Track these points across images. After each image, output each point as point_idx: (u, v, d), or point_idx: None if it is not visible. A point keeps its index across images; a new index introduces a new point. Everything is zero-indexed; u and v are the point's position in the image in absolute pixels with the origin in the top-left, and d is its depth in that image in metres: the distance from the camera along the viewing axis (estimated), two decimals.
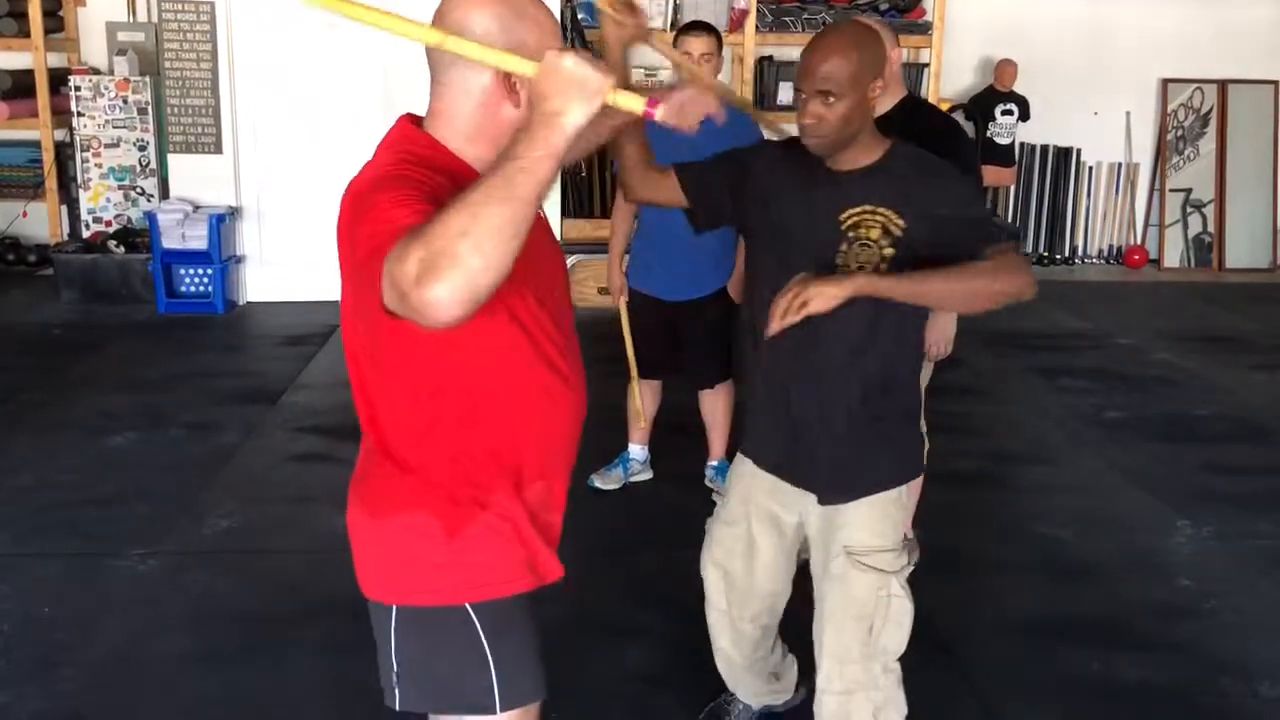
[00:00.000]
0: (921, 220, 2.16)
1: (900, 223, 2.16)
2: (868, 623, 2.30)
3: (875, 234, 2.17)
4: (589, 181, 7.66)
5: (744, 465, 2.51)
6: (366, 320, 1.60)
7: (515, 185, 1.34)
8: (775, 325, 2.07)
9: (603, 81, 1.39)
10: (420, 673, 1.78)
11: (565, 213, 7.43)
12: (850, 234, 2.18)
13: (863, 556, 2.30)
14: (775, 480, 2.43)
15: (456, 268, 1.28)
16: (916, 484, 3.59)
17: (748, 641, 2.59)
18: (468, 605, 1.74)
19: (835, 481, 2.34)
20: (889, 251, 2.16)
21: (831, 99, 2.11)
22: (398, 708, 1.81)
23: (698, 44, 3.83)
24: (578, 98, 1.38)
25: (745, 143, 2.53)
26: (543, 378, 1.72)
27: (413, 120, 1.70)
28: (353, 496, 1.83)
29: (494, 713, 1.79)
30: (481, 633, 1.75)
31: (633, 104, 1.47)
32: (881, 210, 2.17)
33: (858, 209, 2.18)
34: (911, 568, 2.42)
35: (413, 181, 1.51)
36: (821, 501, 2.37)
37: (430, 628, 1.76)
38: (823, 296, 2.05)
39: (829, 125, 2.13)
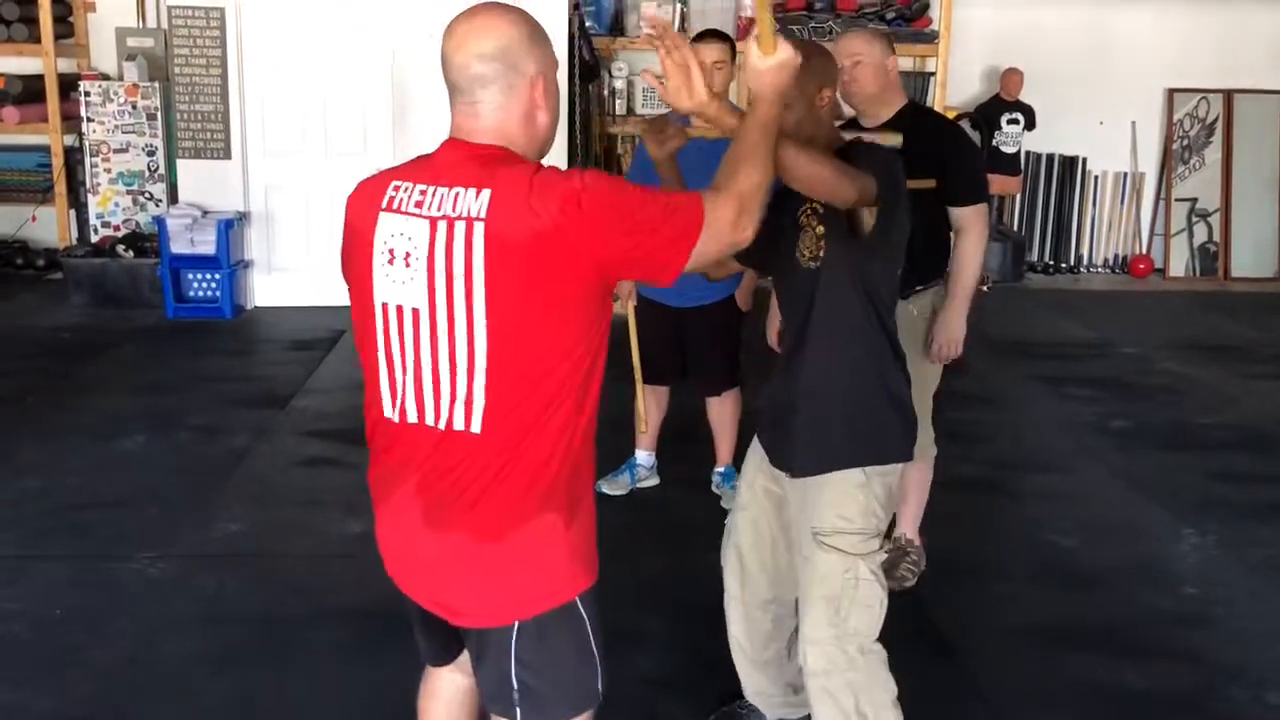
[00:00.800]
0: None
1: (820, 205, 2.32)
2: (835, 604, 2.36)
3: (814, 220, 2.35)
4: None
5: (754, 450, 2.62)
6: (584, 318, 1.74)
7: (770, 144, 1.82)
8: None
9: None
10: (544, 683, 1.81)
11: None
12: (804, 227, 2.38)
13: (826, 538, 2.37)
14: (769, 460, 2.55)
15: (759, 207, 1.77)
16: (923, 491, 3.61)
17: (759, 632, 2.65)
18: (577, 599, 1.82)
19: (797, 456, 2.44)
20: (820, 229, 2.34)
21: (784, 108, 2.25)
22: (520, 718, 1.83)
23: (709, 53, 3.86)
24: (786, 81, 1.85)
25: None
26: None
27: (463, 142, 1.75)
28: (457, 525, 1.75)
29: (598, 702, 1.88)
30: (588, 622, 1.84)
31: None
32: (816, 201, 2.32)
33: (807, 204, 2.35)
34: (884, 555, 2.46)
35: (602, 173, 1.78)
36: (792, 475, 2.46)
37: (552, 632, 1.80)
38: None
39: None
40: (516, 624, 1.77)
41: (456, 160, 1.72)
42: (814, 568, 2.39)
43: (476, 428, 1.71)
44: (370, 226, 1.75)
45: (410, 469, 1.78)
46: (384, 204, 1.74)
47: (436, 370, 1.71)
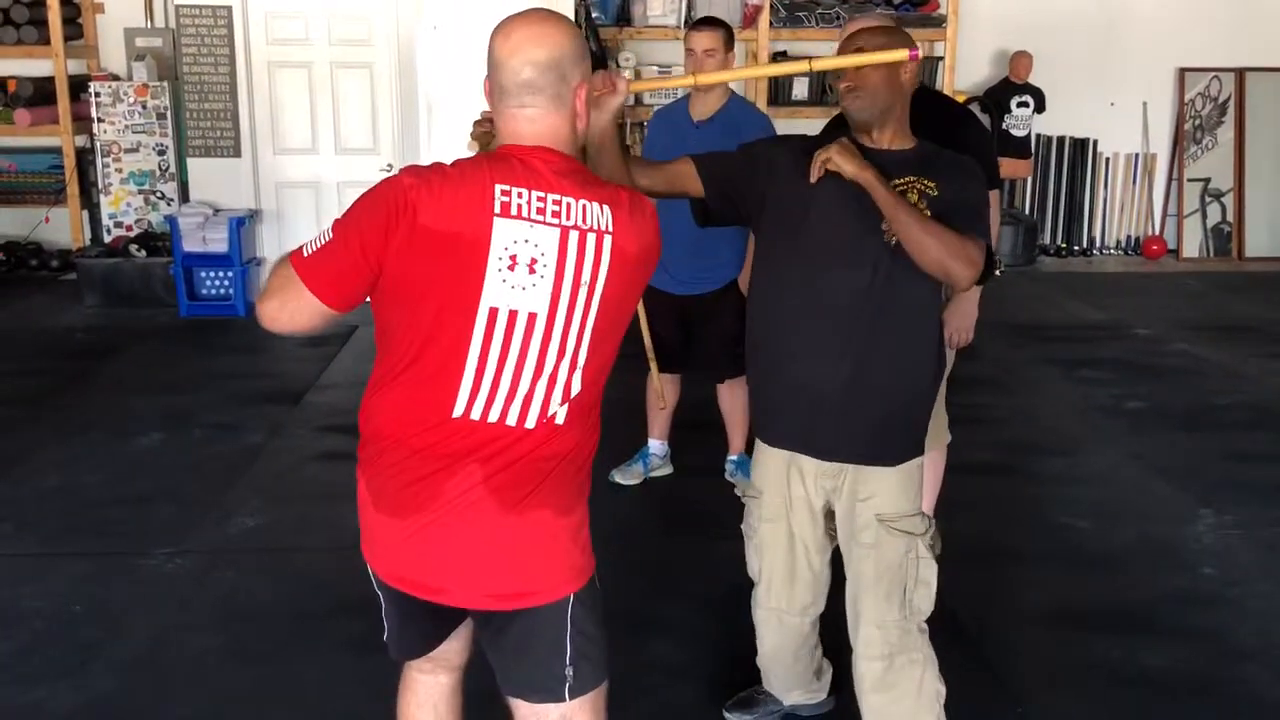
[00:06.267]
0: (948, 191, 2.31)
1: (935, 189, 2.30)
2: (902, 584, 2.40)
3: (914, 197, 2.29)
4: None
5: (766, 455, 2.53)
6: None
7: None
8: (815, 173, 2.28)
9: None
10: (589, 649, 1.90)
11: None
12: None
13: (894, 523, 2.40)
14: (800, 464, 2.46)
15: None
16: (937, 476, 3.60)
17: (795, 636, 2.63)
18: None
19: (863, 446, 2.40)
20: (927, 214, 2.27)
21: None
22: (569, 699, 1.88)
23: (700, 40, 3.83)
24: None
25: (754, 139, 2.56)
26: None
27: (556, 152, 1.79)
28: (539, 505, 1.82)
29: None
30: (599, 586, 1.94)
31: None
32: (922, 180, 2.31)
33: (902, 180, 2.31)
34: (933, 529, 2.48)
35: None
36: (849, 460, 2.42)
37: (592, 598, 1.92)
38: (842, 161, 2.24)
39: (867, 88, 2.30)
40: (573, 595, 1.87)
41: (565, 170, 1.77)
42: (881, 553, 2.40)
43: (562, 420, 1.81)
44: (484, 232, 1.70)
45: (472, 462, 1.77)
46: (498, 209, 1.70)
47: (540, 371, 1.77)
